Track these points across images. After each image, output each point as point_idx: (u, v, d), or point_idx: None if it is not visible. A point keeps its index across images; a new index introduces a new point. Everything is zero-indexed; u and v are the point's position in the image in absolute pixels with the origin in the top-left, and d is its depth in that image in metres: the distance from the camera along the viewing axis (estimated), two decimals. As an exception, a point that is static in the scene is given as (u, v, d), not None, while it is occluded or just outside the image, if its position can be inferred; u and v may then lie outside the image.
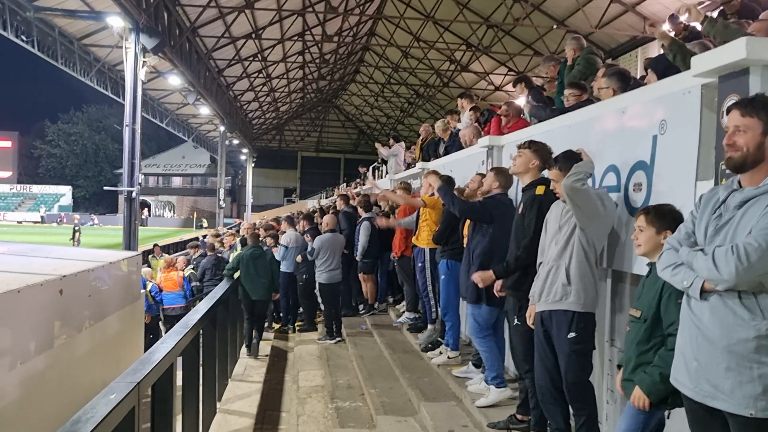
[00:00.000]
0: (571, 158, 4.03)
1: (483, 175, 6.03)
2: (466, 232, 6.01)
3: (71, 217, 50.37)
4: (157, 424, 4.52)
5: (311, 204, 39.36)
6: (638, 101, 4.10)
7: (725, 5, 7.34)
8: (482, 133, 8.10)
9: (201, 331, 6.38)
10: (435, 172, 7.90)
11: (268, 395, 7.74)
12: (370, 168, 24.81)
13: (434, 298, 7.57)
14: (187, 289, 12.25)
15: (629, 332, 3.21)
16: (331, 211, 11.81)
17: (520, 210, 4.72)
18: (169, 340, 5.10)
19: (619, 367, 3.35)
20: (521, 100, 8.95)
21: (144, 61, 18.58)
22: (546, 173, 4.47)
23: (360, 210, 10.51)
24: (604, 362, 4.35)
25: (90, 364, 6.65)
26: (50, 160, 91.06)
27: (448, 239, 6.71)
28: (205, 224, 57.53)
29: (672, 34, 8.67)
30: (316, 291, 9.97)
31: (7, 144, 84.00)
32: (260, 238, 11.03)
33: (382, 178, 19.16)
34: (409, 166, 14.09)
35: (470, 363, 6.38)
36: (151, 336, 10.79)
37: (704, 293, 2.47)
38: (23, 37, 21.66)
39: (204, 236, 23.01)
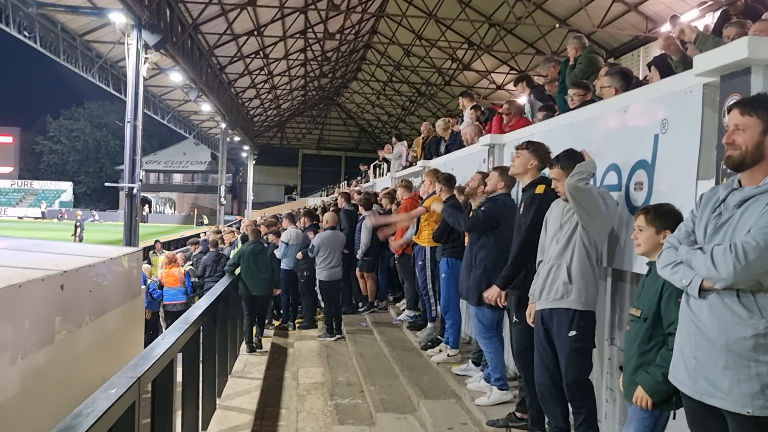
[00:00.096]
0: (572, 157, 4.03)
1: (484, 174, 6.02)
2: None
3: (74, 213, 50.36)
4: (157, 420, 4.53)
5: (312, 202, 39.40)
6: (640, 100, 4.10)
7: (730, 6, 7.35)
8: (483, 131, 8.10)
9: (201, 328, 6.39)
10: (435, 172, 7.92)
11: (267, 392, 7.75)
12: (371, 166, 24.81)
13: (434, 297, 7.58)
14: (188, 286, 12.27)
15: (629, 331, 3.22)
16: (331, 209, 11.81)
17: (521, 210, 4.73)
18: (169, 336, 5.11)
19: (621, 368, 3.35)
20: (523, 99, 8.97)
21: (146, 58, 18.57)
22: (546, 172, 4.47)
23: (360, 208, 10.51)
24: (603, 361, 4.35)
25: (90, 359, 6.67)
26: (51, 155, 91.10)
27: (449, 237, 6.72)
28: (206, 221, 57.57)
29: (674, 35, 8.68)
30: (317, 288, 9.98)
31: (9, 139, 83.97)
32: (262, 235, 11.04)
33: (383, 176, 19.17)
34: (410, 164, 14.10)
35: (470, 361, 6.38)
36: (151, 332, 10.81)
37: (703, 292, 2.48)
38: (26, 33, 21.70)
39: (204, 233, 23.02)
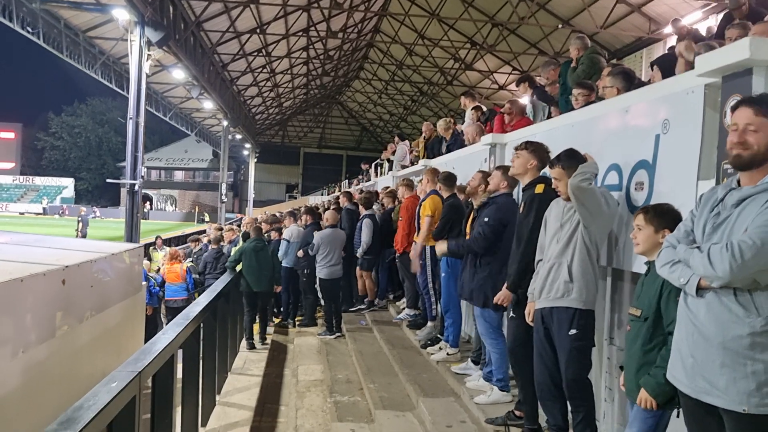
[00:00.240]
0: (573, 157, 4.06)
1: (485, 173, 6.02)
2: (469, 229, 6.00)
3: (75, 209, 50.38)
4: (157, 415, 4.54)
5: (313, 200, 39.42)
6: (641, 100, 4.11)
7: (735, 11, 7.38)
8: (485, 131, 8.11)
9: (202, 324, 6.40)
10: (433, 171, 7.93)
11: (267, 388, 7.76)
12: (373, 165, 24.84)
13: (435, 295, 7.58)
14: (189, 282, 12.30)
15: (630, 331, 3.22)
16: (332, 207, 11.82)
17: (522, 209, 4.74)
18: (170, 332, 5.12)
19: (621, 368, 3.36)
20: (525, 100, 8.98)
21: (149, 55, 18.60)
22: (547, 172, 4.48)
23: (360, 207, 10.52)
24: (602, 360, 4.37)
25: (91, 354, 6.68)
26: (53, 152, 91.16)
27: (449, 236, 6.72)
28: (207, 218, 57.59)
29: (675, 37, 8.71)
30: (317, 286, 10.00)
31: (11, 135, 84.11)
32: (263, 232, 11.08)
33: (384, 175, 19.20)
34: (412, 163, 14.12)
35: (469, 360, 6.40)
36: (150, 328, 10.82)
37: (700, 290, 2.49)
38: (29, 29, 21.75)
39: (205, 231, 23.01)
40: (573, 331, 3.93)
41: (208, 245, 13.77)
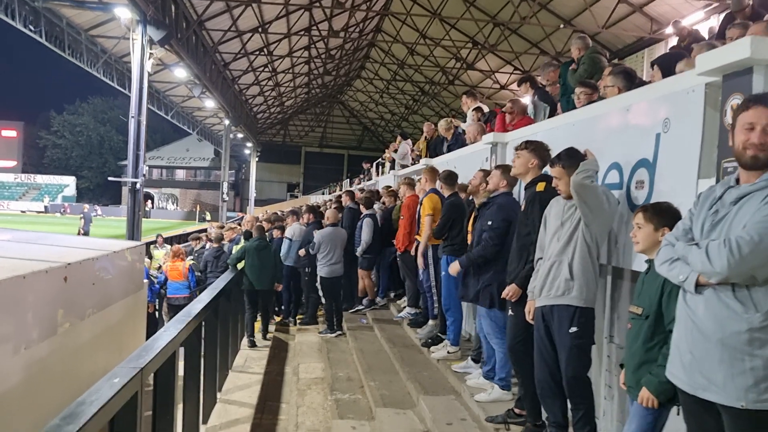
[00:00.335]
0: (573, 155, 4.07)
1: (486, 171, 6.03)
2: (470, 228, 6.01)
3: (77, 207, 50.43)
4: (159, 412, 4.55)
5: (314, 199, 39.43)
6: (642, 99, 4.12)
7: (738, 13, 7.40)
8: (486, 130, 8.13)
9: (203, 322, 6.41)
10: (432, 170, 7.96)
11: (268, 386, 7.78)
12: (374, 164, 24.86)
13: (436, 294, 7.60)
14: (191, 280, 12.33)
15: (631, 329, 3.23)
16: (333, 206, 11.84)
17: (523, 207, 4.76)
18: (171, 329, 5.13)
19: (621, 366, 3.37)
20: (526, 99, 8.99)
21: (150, 53, 18.62)
22: (548, 170, 4.49)
23: (361, 207, 10.53)
24: (602, 358, 4.38)
25: (93, 351, 6.70)
26: (55, 150, 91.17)
27: (448, 234, 6.74)
28: (208, 217, 57.62)
29: (676, 37, 8.73)
30: (318, 284, 10.02)
31: (13, 134, 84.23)
32: (266, 230, 11.12)
33: (385, 174, 19.21)
34: (413, 161, 14.14)
35: (469, 358, 6.41)
36: (152, 326, 10.86)
37: (699, 287, 2.50)
38: (31, 27, 21.78)
39: (205, 230, 23.02)
40: (573, 329, 3.95)
41: (209, 243, 13.82)
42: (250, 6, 25.98)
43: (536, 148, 4.72)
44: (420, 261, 7.75)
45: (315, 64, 41.11)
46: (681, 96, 3.61)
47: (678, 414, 2.86)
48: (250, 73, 37.22)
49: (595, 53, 7.07)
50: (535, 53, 28.65)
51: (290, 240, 10.96)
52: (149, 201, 70.88)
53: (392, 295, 11.09)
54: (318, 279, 9.87)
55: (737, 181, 2.57)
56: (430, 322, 7.92)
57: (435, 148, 11.79)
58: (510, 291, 4.76)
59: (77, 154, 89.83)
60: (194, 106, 41.21)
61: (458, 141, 9.95)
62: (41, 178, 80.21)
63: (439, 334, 7.51)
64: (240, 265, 9.84)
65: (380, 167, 23.04)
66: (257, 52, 33.37)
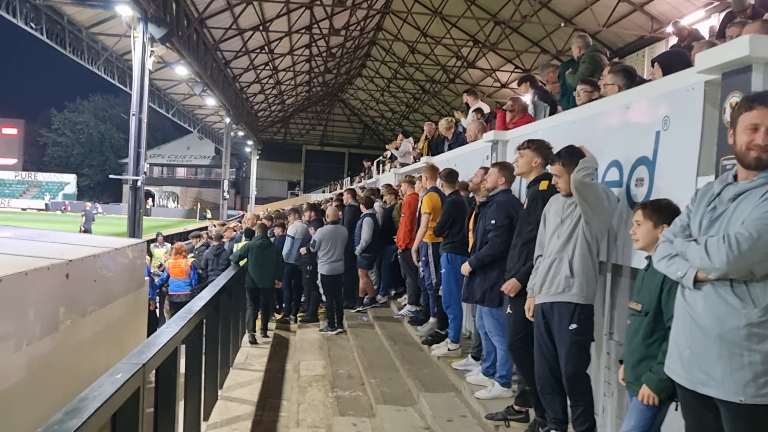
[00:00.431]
0: (573, 153, 4.10)
1: (486, 169, 6.04)
2: (472, 225, 6.02)
3: (77, 205, 50.45)
4: (161, 408, 4.57)
5: (315, 197, 39.46)
6: (642, 97, 4.14)
7: (738, 14, 7.42)
8: (487, 129, 8.14)
9: (204, 319, 6.43)
10: (432, 168, 7.97)
11: (269, 383, 7.80)
12: (375, 162, 24.87)
13: (437, 292, 7.61)
14: (193, 277, 12.38)
15: (630, 326, 3.25)
16: (333, 203, 11.86)
17: (526, 205, 4.77)
18: (173, 325, 5.15)
19: (621, 362, 3.39)
20: (526, 98, 9.01)
21: (152, 51, 18.61)
22: (549, 168, 4.50)
23: (361, 206, 10.54)
24: (602, 355, 4.40)
25: (94, 348, 6.73)
26: (56, 148, 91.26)
27: (449, 232, 6.75)
28: (209, 215, 57.66)
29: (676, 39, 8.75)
30: (319, 282, 10.04)
31: (13, 131, 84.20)
32: (268, 229, 11.17)
33: (386, 172, 19.23)
34: (415, 160, 14.15)
35: (469, 356, 6.43)
36: (152, 323, 10.89)
37: (697, 283, 2.52)
38: (32, 25, 21.77)
39: (206, 228, 23.07)
40: (573, 326, 3.97)
41: (210, 242, 13.86)
42: (251, 4, 26.00)
43: (539, 147, 4.74)
44: (413, 256, 7.89)
45: (316, 63, 41.14)
46: (681, 94, 3.63)
47: (676, 410, 2.88)
48: (251, 71, 37.22)
49: (595, 51, 7.08)
50: (535, 52, 28.67)
51: (293, 238, 10.98)
52: (150, 199, 70.89)
53: (393, 293, 11.11)
54: (319, 277, 9.90)
55: (735, 177, 2.59)
56: (432, 319, 7.93)
57: (436, 147, 11.80)
58: (509, 285, 4.77)
59: (78, 151, 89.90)
60: (195, 104, 41.22)
61: (459, 140, 9.97)
62: (42, 176, 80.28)
63: (437, 330, 7.53)
64: (242, 263, 9.89)
65: (381, 165, 23.05)
66: (258, 50, 33.39)
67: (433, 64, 36.99)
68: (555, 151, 4.43)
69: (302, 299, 11.67)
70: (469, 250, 5.90)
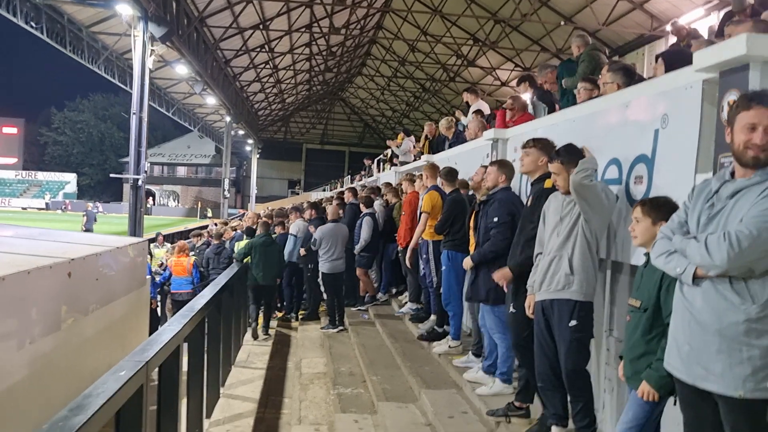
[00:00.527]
0: (572, 152, 4.13)
1: (486, 167, 6.06)
2: (472, 224, 6.04)
3: (77, 204, 50.48)
4: (163, 406, 4.59)
5: (315, 196, 39.46)
6: (641, 95, 4.17)
7: (739, 14, 7.45)
8: (487, 128, 8.16)
9: (206, 317, 6.45)
10: (433, 167, 7.99)
11: (270, 381, 7.84)
12: (375, 161, 24.89)
13: (438, 289, 7.63)
14: (195, 276, 12.42)
15: (629, 322, 3.28)
16: (334, 202, 11.88)
17: (530, 203, 4.79)
18: (175, 323, 5.18)
19: (620, 358, 3.42)
20: (526, 97, 9.02)
21: (152, 50, 18.63)
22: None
23: (361, 206, 10.56)
24: (602, 352, 4.43)
25: (96, 347, 6.74)
26: (56, 147, 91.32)
27: (450, 230, 6.78)
28: (210, 214, 57.70)
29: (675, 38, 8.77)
30: (320, 280, 10.07)
31: (13, 131, 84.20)
32: (270, 226, 11.23)
33: (386, 170, 19.24)
34: (415, 158, 14.17)
35: (470, 353, 6.46)
36: (154, 321, 10.93)
37: (696, 279, 2.54)
38: (32, 24, 21.80)
39: (207, 226, 23.08)
40: (573, 323, 3.99)
41: (211, 240, 13.90)
42: (251, 3, 26.01)
43: (545, 145, 4.75)
44: (408, 253, 8.09)
45: (316, 61, 41.14)
46: (679, 92, 3.65)
47: (675, 404, 2.90)
48: (251, 70, 37.24)
49: (594, 50, 7.11)
50: (535, 50, 28.69)
51: (295, 236, 11.01)
52: (150, 198, 70.93)
53: (394, 291, 11.14)
54: (320, 275, 9.93)
55: (732, 174, 2.61)
56: (432, 317, 7.96)
57: (437, 147, 11.82)
58: (500, 273, 4.84)
59: (78, 151, 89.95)
60: (195, 102, 41.28)
61: (459, 139, 9.98)
62: (42, 175, 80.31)
63: (435, 327, 7.56)
64: (245, 261, 10.00)
65: (381, 164, 23.06)
66: (258, 49, 33.40)
67: (433, 63, 37.00)
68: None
69: (303, 297, 11.70)
70: (471, 249, 5.93)
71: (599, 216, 4.03)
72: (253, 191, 54.40)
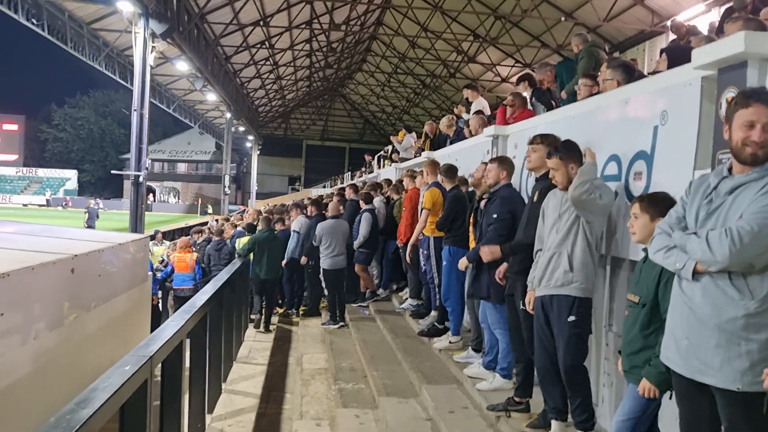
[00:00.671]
0: (571, 149, 4.17)
1: (487, 164, 6.08)
2: (472, 220, 6.07)
3: (82, 201, 50.48)
4: (166, 401, 4.62)
5: (315, 192, 39.47)
6: (641, 92, 4.19)
7: (739, 12, 7.47)
8: (487, 124, 8.18)
9: (208, 313, 6.48)
10: (433, 163, 8.02)
11: (272, 377, 7.87)
12: (376, 157, 24.89)
13: (439, 285, 7.66)
14: (197, 272, 12.45)
15: (628, 316, 3.31)
16: (335, 198, 11.91)
17: (535, 198, 4.79)
18: (178, 319, 5.20)
19: (619, 352, 3.45)
20: (525, 95, 9.04)
21: (153, 47, 18.66)
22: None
23: (361, 202, 10.59)
24: (601, 347, 4.46)
25: (98, 342, 6.76)
26: (56, 144, 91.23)
27: (451, 226, 6.81)
28: (210, 210, 57.71)
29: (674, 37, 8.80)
30: (321, 276, 10.11)
31: (14, 127, 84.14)
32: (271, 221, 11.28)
33: (387, 167, 19.24)
34: (416, 155, 14.19)
35: (470, 348, 6.49)
36: (155, 317, 10.98)
37: (696, 274, 2.57)
38: (33, 20, 21.81)
39: (216, 220, 23.03)
40: (572, 318, 4.03)
41: (212, 237, 13.93)
42: (251, -1, 26.02)
43: (551, 142, 4.75)
44: (409, 249, 8.21)
45: (316, 57, 41.08)
46: (678, 89, 3.68)
47: (671, 398, 2.94)
48: (252, 67, 37.24)
49: (593, 47, 7.14)
50: (536, 46, 28.64)
51: (298, 233, 11.04)
52: (151, 194, 70.90)
53: (395, 287, 11.17)
54: (321, 271, 9.96)
55: (729, 170, 2.64)
56: (433, 313, 7.99)
57: (438, 145, 11.83)
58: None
59: (78, 147, 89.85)
60: (196, 99, 41.31)
61: (460, 137, 10.00)
62: (43, 172, 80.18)
63: (436, 323, 7.60)
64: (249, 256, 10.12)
65: (382, 160, 23.06)
66: (258, 46, 33.37)
67: (433, 59, 36.97)
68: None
69: (304, 293, 11.73)
70: (471, 246, 5.96)
71: (600, 218, 4.08)
72: (254, 188, 54.42)
